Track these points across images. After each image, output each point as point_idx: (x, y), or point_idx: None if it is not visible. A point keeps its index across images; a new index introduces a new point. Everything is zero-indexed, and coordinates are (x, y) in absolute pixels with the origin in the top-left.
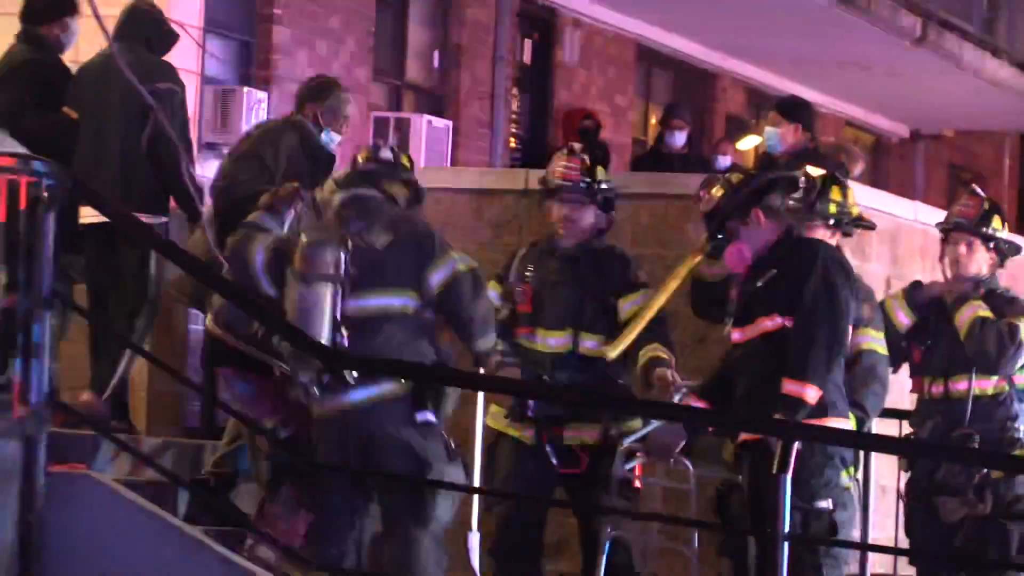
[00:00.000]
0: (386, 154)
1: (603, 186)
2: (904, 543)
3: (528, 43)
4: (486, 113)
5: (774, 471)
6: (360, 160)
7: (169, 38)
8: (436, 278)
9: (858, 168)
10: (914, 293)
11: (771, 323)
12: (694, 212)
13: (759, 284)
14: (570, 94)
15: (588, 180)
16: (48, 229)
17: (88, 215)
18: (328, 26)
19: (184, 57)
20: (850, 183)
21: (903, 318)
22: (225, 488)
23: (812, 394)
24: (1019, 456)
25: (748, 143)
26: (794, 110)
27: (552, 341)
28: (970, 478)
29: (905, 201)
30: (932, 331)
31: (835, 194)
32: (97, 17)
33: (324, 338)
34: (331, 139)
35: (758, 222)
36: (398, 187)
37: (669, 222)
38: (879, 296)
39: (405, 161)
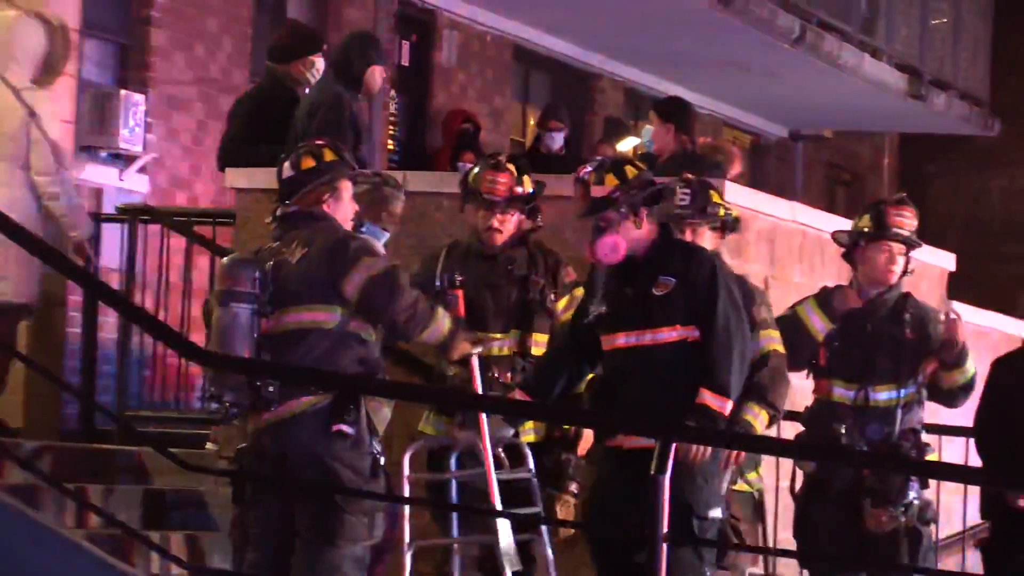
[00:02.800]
0: (285, 173)
1: (527, 192)
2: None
3: (406, 45)
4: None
5: (652, 472)
6: (284, 169)
7: None
8: (350, 287)
9: (735, 168)
10: (828, 300)
11: (674, 334)
12: (570, 213)
13: (658, 293)
14: (448, 96)
15: (519, 191)
16: None
17: None
18: (205, 28)
19: None
20: (727, 184)
21: (820, 325)
22: None
23: (730, 408)
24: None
25: (627, 144)
26: (671, 111)
27: (496, 344)
28: (903, 489)
29: (783, 202)
30: (843, 335)
31: (716, 197)
32: None
33: (241, 355)
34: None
35: (641, 221)
36: (319, 193)
37: (546, 223)
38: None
39: (307, 161)
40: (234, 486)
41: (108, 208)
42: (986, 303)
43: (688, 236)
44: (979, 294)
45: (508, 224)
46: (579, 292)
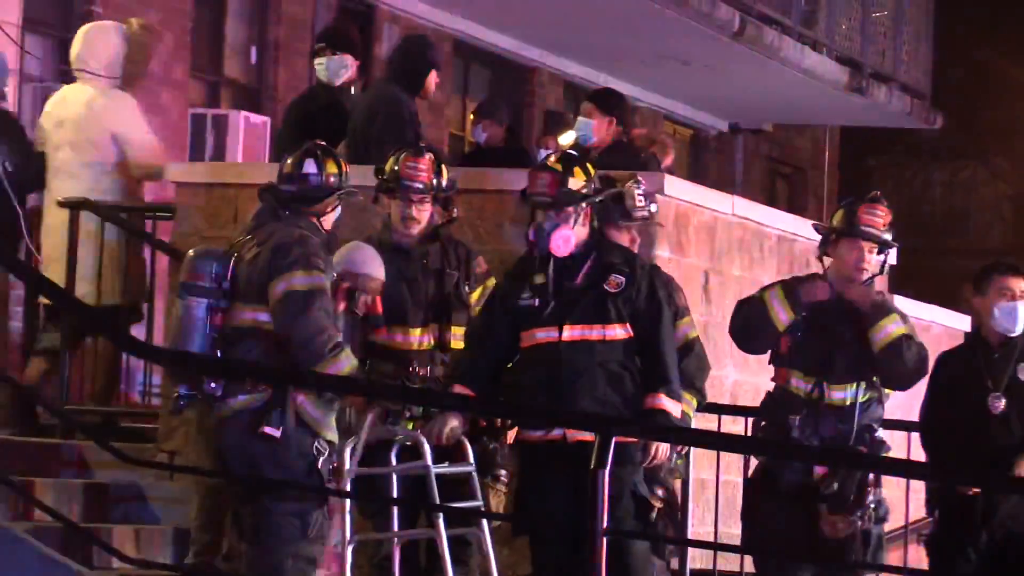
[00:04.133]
0: (307, 168)
1: (444, 184)
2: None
3: None
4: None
5: (592, 467)
6: (281, 173)
7: None
8: (272, 293)
9: (669, 158)
10: (795, 290)
11: (621, 332)
12: (510, 207)
13: (612, 290)
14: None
15: (436, 179)
16: None
17: None
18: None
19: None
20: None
21: (783, 315)
22: None
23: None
24: (889, 457)
25: (568, 138)
26: (607, 102)
27: (416, 339)
28: (861, 495)
29: (723, 195)
30: (808, 326)
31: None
32: None
33: (194, 349)
34: None
35: (586, 219)
36: (315, 204)
37: (485, 216)
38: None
39: (331, 167)
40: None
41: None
42: (929, 297)
43: (622, 237)
44: (922, 288)
45: (425, 215)
46: (491, 283)
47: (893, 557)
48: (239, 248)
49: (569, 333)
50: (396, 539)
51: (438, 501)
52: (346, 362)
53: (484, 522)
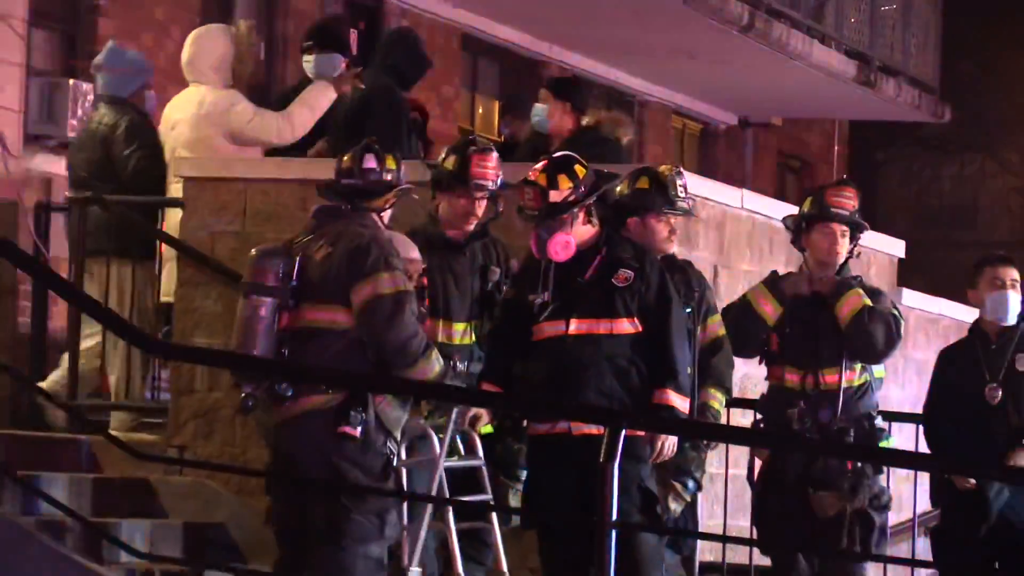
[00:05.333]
0: (367, 163)
1: (500, 181)
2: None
3: (354, 33)
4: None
5: (601, 460)
6: (339, 169)
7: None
8: (356, 298)
9: (627, 135)
10: (778, 284)
11: (629, 325)
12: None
13: (619, 284)
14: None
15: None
16: None
17: None
18: (153, 17)
19: (9, 49)
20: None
21: (771, 310)
22: None
23: (688, 406)
24: (890, 449)
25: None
26: (564, 89)
27: (459, 333)
28: (845, 472)
29: (732, 189)
30: (792, 320)
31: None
32: None
33: (259, 351)
34: None
35: (586, 218)
36: (376, 199)
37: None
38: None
39: (390, 163)
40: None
41: (57, 197)
42: (937, 290)
43: (661, 227)
44: (930, 281)
45: (481, 211)
46: None
47: (901, 549)
48: (304, 247)
49: (576, 327)
50: (407, 532)
51: (447, 495)
52: (436, 363)
53: (494, 516)
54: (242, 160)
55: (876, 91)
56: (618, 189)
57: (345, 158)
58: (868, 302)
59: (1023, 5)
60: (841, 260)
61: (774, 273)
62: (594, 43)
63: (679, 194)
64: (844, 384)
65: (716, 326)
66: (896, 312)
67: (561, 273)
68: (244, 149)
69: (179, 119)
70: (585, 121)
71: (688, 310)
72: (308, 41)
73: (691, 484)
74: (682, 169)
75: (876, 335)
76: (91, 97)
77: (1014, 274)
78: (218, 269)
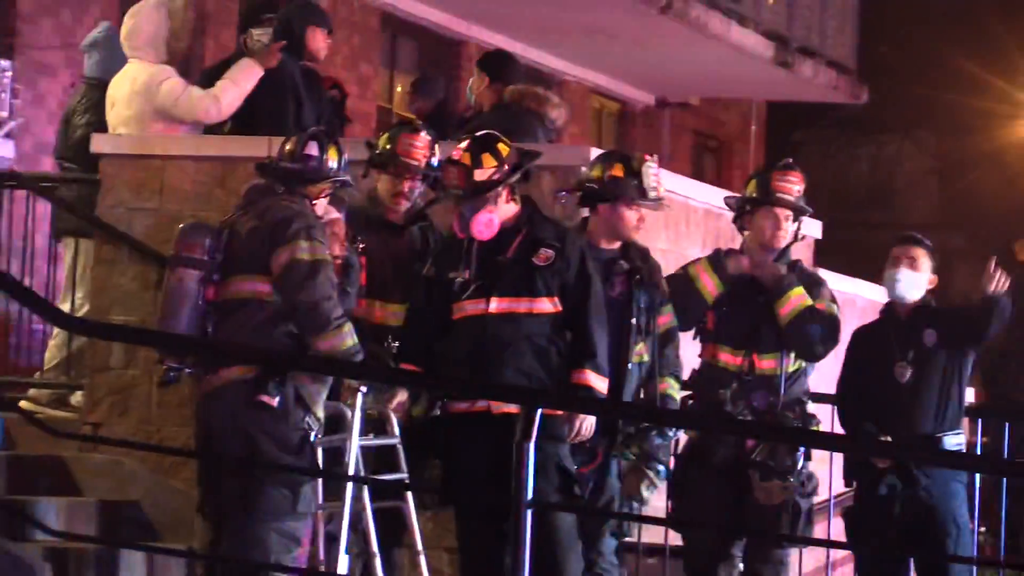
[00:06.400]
0: (309, 150)
1: (435, 164)
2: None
3: None
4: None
5: (517, 439)
6: (282, 151)
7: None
8: (275, 264)
9: (556, 112)
10: (721, 262)
11: (550, 305)
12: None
13: (540, 263)
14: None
15: (431, 159)
16: None
17: None
18: None
19: None
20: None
21: (711, 288)
22: None
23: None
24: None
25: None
26: (490, 63)
27: (394, 314)
28: (793, 460)
29: None
30: (732, 301)
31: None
32: None
33: (183, 322)
34: None
35: (508, 196)
36: (311, 186)
37: None
38: None
39: (332, 154)
40: None
41: None
42: (853, 271)
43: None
44: (846, 261)
45: (414, 193)
46: None
47: (817, 530)
48: (232, 222)
49: (496, 305)
50: (320, 512)
51: (362, 473)
52: (349, 337)
53: (409, 495)
54: (159, 137)
55: (794, 72)
56: (592, 172)
57: (289, 142)
58: (809, 302)
59: None
60: (784, 244)
61: (718, 250)
62: (512, 22)
63: (652, 184)
64: (780, 370)
65: (669, 316)
66: (834, 306)
67: (483, 252)
68: (175, 126)
69: (117, 97)
70: (507, 96)
71: (657, 301)
72: (249, 16)
73: (662, 470)
74: (655, 156)
75: (815, 337)
76: (9, 73)
77: (912, 252)
78: (136, 247)
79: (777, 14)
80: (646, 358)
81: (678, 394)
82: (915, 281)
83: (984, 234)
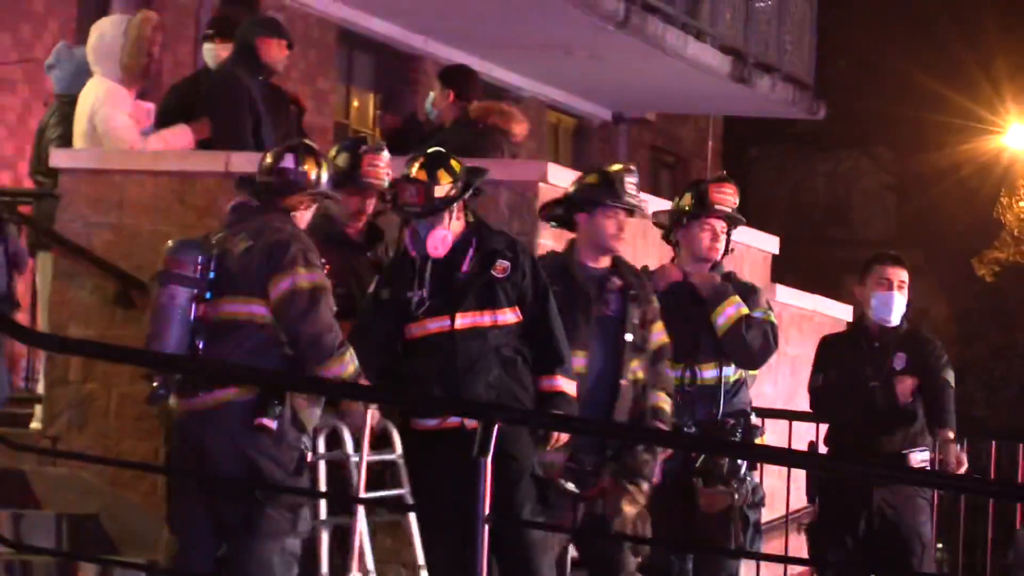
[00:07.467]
0: (284, 162)
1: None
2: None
3: None
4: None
5: (474, 455)
6: (260, 165)
7: None
8: (274, 291)
9: (518, 127)
10: (650, 279)
11: (511, 316)
12: None
13: (499, 275)
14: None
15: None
16: None
17: None
18: (31, 9)
19: None
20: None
21: None
22: None
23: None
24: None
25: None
26: (446, 76)
27: None
28: (734, 469)
29: None
30: (669, 314)
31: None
32: None
33: (172, 339)
34: None
35: (460, 213)
36: (286, 198)
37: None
38: None
39: (309, 166)
40: None
41: None
42: (810, 286)
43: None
44: (803, 277)
45: (371, 209)
46: None
47: (774, 546)
48: (222, 241)
49: (461, 321)
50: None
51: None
52: (351, 363)
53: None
54: (118, 152)
55: (751, 87)
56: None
57: (268, 155)
58: (745, 310)
59: (898, 3)
60: (719, 256)
61: (644, 268)
62: (469, 37)
63: (628, 191)
64: (721, 380)
65: (661, 334)
66: (771, 312)
67: (437, 269)
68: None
69: (78, 111)
70: (472, 112)
71: (649, 317)
72: (209, 30)
73: (645, 486)
74: (634, 168)
75: (753, 345)
76: None
77: (902, 275)
78: (95, 262)
79: (734, 29)
80: (641, 376)
81: (670, 408)
82: (903, 305)
83: (942, 250)
